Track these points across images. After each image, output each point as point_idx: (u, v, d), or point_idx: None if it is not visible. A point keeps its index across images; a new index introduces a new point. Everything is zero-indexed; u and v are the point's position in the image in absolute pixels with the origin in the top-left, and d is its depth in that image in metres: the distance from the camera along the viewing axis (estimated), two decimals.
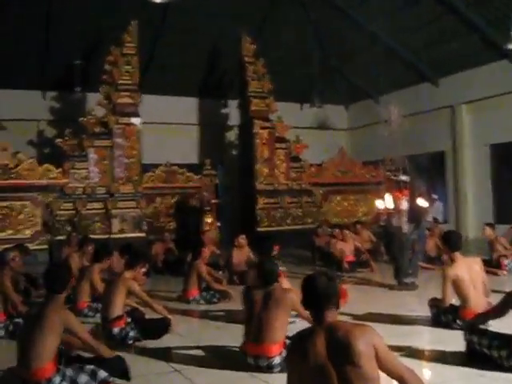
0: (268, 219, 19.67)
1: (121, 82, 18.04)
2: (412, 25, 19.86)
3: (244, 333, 6.04)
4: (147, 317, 7.77)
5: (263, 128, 20.00)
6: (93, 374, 5.11)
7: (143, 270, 7.59)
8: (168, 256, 14.95)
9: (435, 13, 18.98)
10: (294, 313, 6.17)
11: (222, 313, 9.02)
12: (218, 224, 18.70)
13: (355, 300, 8.69)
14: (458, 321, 7.05)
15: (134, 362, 5.90)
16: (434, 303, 7.54)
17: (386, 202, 11.08)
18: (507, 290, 5.97)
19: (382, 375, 3.59)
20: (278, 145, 20.27)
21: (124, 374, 5.50)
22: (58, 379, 5.00)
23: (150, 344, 7.01)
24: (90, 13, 18.88)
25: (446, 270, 7.13)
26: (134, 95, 18.11)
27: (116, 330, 7.06)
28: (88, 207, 17.32)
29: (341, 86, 25.73)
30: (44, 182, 17.05)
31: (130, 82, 18.11)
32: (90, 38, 19.71)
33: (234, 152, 23.56)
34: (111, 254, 9.77)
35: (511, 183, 19.57)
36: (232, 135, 23.87)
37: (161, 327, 7.28)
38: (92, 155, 17.63)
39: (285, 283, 7.44)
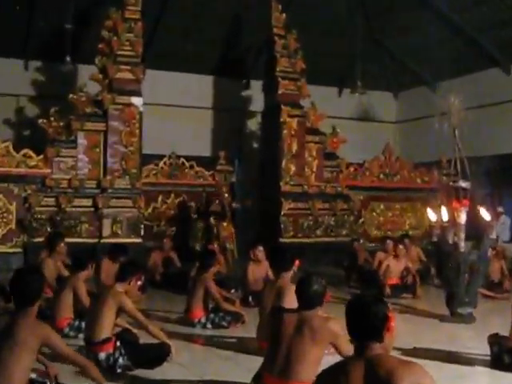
0: (294, 228, 19.62)
1: (120, 52, 18.06)
2: None
3: (263, 362, 5.97)
4: (141, 341, 7.74)
5: (292, 116, 19.95)
6: None
7: (138, 283, 7.57)
8: (168, 268, 14.96)
9: None
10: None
11: (232, 340, 9.01)
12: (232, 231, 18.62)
13: (399, 331, 8.61)
14: None
15: None
16: (496, 340, 7.47)
17: (440, 214, 11.01)
18: None
19: None
20: (309, 137, 20.23)
21: None
22: None
23: (144, 374, 7.01)
24: None
25: None
26: (136, 70, 18.13)
27: (103, 355, 7.05)
28: (74, 204, 17.33)
29: (390, 69, 25.67)
30: (21, 171, 17.01)
31: (131, 53, 18.14)
32: None
33: (255, 144, 23.57)
34: (96, 259, 9.80)
35: None
36: (253, 123, 23.88)
37: (157, 355, 7.24)
38: (81, 141, 17.66)
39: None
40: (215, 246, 14.76)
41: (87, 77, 18.41)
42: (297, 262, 8.32)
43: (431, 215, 11.25)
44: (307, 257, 10.24)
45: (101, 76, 18.10)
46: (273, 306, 7.03)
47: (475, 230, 11.22)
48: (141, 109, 18.05)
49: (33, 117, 20.75)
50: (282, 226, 19.46)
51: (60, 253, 11.47)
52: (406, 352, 7.89)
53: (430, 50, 22.02)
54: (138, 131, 17.98)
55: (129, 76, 18.03)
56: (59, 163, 17.43)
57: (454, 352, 8.19)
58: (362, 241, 16.64)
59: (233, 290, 12.76)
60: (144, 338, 7.68)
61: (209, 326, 9.89)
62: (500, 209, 19.68)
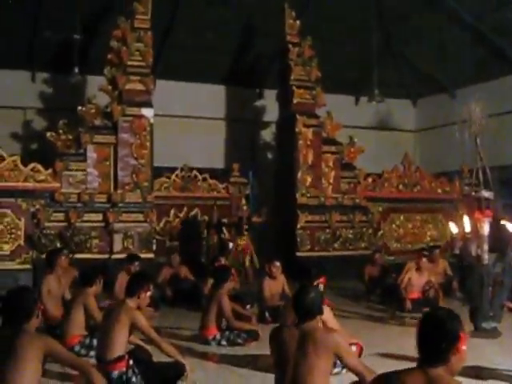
0: (311, 241, 19.58)
1: (130, 63, 18.15)
2: (503, 1, 19.73)
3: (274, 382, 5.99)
4: (155, 359, 7.75)
5: (308, 126, 19.96)
6: None
7: (148, 293, 7.55)
8: (178, 284, 14.89)
9: None
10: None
11: (247, 358, 8.99)
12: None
13: None
14: None
15: None
16: None
17: (462, 225, 10.97)
18: None
19: None
20: (325, 148, 20.23)
21: None
22: None
23: None
24: None
25: None
26: (146, 80, 18.21)
27: (115, 373, 7.04)
28: (84, 219, 17.39)
29: (408, 76, 25.66)
30: (30, 185, 17.11)
31: (141, 63, 18.22)
32: (92, 7, 19.92)
33: (270, 155, 23.59)
34: (104, 275, 9.81)
35: None
36: (267, 134, 23.92)
37: (171, 373, 7.24)
38: (91, 154, 17.73)
39: (331, 320, 7.40)
40: (223, 261, 14.63)
41: (96, 88, 18.49)
42: (322, 279, 8.30)
43: (453, 227, 11.21)
44: (326, 271, 10.19)
45: (110, 87, 18.20)
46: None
47: (499, 241, 11.17)
48: (151, 120, 18.10)
49: (41, 130, 20.85)
50: (299, 239, 19.43)
51: (63, 267, 11.48)
52: None
53: (448, 55, 22.02)
54: (148, 143, 18.02)
55: (139, 87, 18.11)
56: (68, 177, 17.49)
57: (480, 367, 8.15)
58: (381, 254, 16.50)
59: (248, 306, 12.74)
60: (157, 357, 7.67)
61: (224, 343, 9.88)
62: None
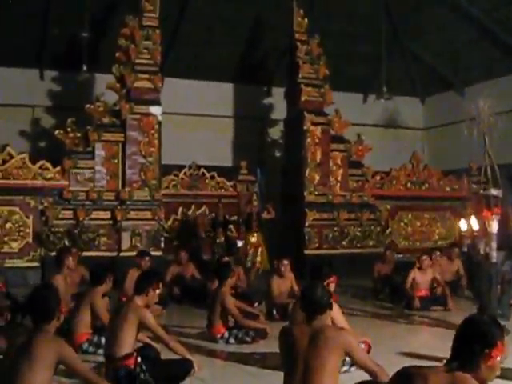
0: (319, 239, 19.57)
1: (138, 61, 18.16)
2: None
3: (283, 382, 5.98)
4: (163, 357, 7.75)
5: (316, 124, 19.94)
6: None
7: (157, 291, 7.54)
8: (185, 282, 14.85)
9: None
10: (349, 359, 6.12)
11: (256, 355, 8.99)
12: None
13: (431, 346, 8.58)
14: None
15: None
16: None
17: (470, 223, 10.94)
18: None
19: None
20: (334, 145, 20.21)
21: None
22: None
23: None
24: None
25: None
26: (155, 78, 18.22)
27: (123, 371, 7.04)
28: (92, 216, 17.43)
29: (416, 73, 25.61)
30: (38, 183, 17.21)
31: (149, 61, 18.23)
32: (101, 5, 19.94)
33: (278, 153, 23.59)
34: (114, 273, 9.81)
35: None
36: (275, 132, 23.90)
37: (179, 371, 7.24)
38: (99, 152, 17.76)
39: (339, 318, 7.39)
40: (227, 258, 14.59)
41: (104, 86, 18.51)
42: (333, 278, 8.26)
43: (462, 225, 11.18)
44: (333, 269, 10.16)
45: (118, 85, 18.20)
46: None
47: (507, 239, 11.15)
48: (160, 118, 18.12)
49: (49, 128, 20.88)
50: (307, 237, 19.42)
51: (71, 267, 11.53)
52: None
53: (457, 52, 21.98)
54: (156, 141, 18.04)
55: (147, 85, 18.11)
56: (76, 175, 17.53)
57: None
58: (390, 252, 16.45)
59: (256, 304, 12.74)
60: (165, 354, 7.68)
61: (232, 341, 9.87)
62: None
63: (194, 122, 22.76)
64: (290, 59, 20.55)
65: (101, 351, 8.17)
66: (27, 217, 17.07)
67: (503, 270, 10.81)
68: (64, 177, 17.39)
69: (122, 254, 17.10)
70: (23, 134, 21.74)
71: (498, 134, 13.63)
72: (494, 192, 11.26)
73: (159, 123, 18.12)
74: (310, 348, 5.58)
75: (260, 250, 17.10)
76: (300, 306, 6.07)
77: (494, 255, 10.68)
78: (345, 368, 6.61)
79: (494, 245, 10.68)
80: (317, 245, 19.50)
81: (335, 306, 7.09)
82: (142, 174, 17.85)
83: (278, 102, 22.84)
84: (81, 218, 17.20)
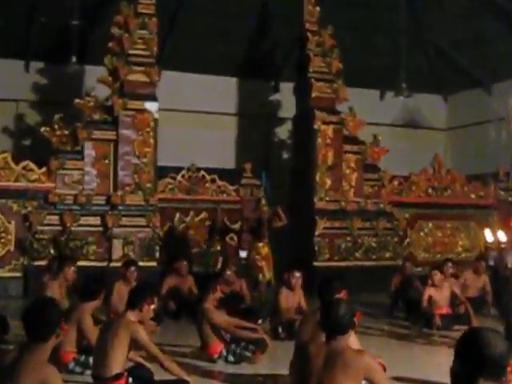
0: (330, 250, 19.54)
1: (132, 52, 18.19)
2: None
3: None
4: (157, 378, 7.76)
5: (327, 123, 19.94)
6: None
7: (152, 307, 7.54)
8: (186, 296, 14.82)
9: None
10: None
11: (258, 377, 8.98)
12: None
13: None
14: None
15: None
16: None
17: (497, 234, 10.94)
18: None
19: None
20: (347, 147, 20.20)
21: None
22: None
23: None
24: None
25: None
26: (151, 71, 18.24)
27: None
28: (80, 223, 17.45)
29: (439, 69, 25.61)
30: (21, 185, 17.21)
31: (145, 52, 18.26)
32: None
33: (285, 155, 23.60)
34: (105, 287, 9.81)
35: None
36: (283, 131, 23.92)
37: None
38: (89, 151, 17.78)
39: (352, 340, 7.38)
40: (229, 272, 14.49)
41: (95, 79, 18.54)
42: (343, 292, 8.25)
43: (488, 235, 11.18)
44: (346, 283, 10.13)
45: (110, 78, 18.23)
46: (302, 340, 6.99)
47: None
48: (156, 115, 18.15)
49: (34, 124, 20.93)
50: (316, 247, 19.40)
51: (67, 279, 11.57)
52: None
53: (484, 45, 21.96)
54: (152, 140, 18.06)
55: (142, 78, 18.14)
56: (64, 177, 17.54)
57: None
58: (408, 264, 16.42)
59: (260, 321, 12.71)
60: (160, 374, 7.68)
61: (231, 358, 9.83)
62: None
63: (193, 119, 22.80)
64: (300, 51, 20.57)
65: (88, 371, 8.14)
66: (9, 222, 17.09)
67: None
68: (50, 179, 17.40)
69: (112, 264, 17.07)
70: (6, 130, 21.79)
71: None
72: None
73: (155, 120, 18.15)
74: (325, 370, 5.55)
75: (270, 264, 16.81)
76: (320, 324, 6.05)
77: None
78: None
79: None
80: (327, 256, 19.49)
81: None
82: (135, 176, 17.87)
83: (286, 98, 22.82)
84: (68, 224, 17.22)
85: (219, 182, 20.25)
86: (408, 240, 21.08)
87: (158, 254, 17.88)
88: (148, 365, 7.85)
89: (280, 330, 11.93)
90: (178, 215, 19.78)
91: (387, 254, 20.20)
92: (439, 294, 13.29)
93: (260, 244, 16.84)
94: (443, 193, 21.76)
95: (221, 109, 23.51)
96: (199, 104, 22.85)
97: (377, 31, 22.74)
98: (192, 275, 15.47)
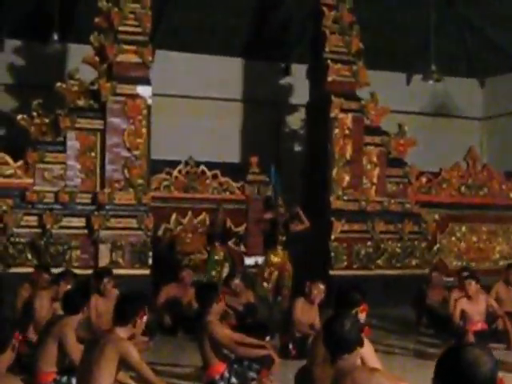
0: (348, 257, 19.55)
1: (123, 28, 18.18)
2: None
3: None
4: None
5: (346, 111, 19.94)
6: None
7: (144, 319, 7.51)
8: (183, 309, 14.84)
9: None
10: None
11: None
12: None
13: None
14: None
15: None
16: None
17: None
18: None
19: None
20: (368, 138, 20.21)
21: None
22: None
23: None
24: None
25: None
26: (143, 51, 18.23)
27: None
28: (62, 224, 17.45)
29: (474, 48, 25.60)
30: None
31: (137, 29, 18.26)
32: None
33: (298, 147, 23.62)
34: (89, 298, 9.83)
35: None
36: (295, 120, 23.95)
37: None
38: (72, 142, 17.79)
39: (370, 356, 7.38)
40: (237, 280, 14.49)
41: (80, 60, 18.46)
42: (364, 306, 8.23)
43: None
44: (367, 295, 10.11)
45: (97, 59, 18.22)
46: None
47: None
48: (149, 101, 18.14)
49: (9, 111, 20.94)
50: (333, 253, 19.40)
51: (57, 292, 11.61)
52: None
53: None
54: (145, 130, 18.06)
55: (134, 59, 18.13)
56: (43, 171, 17.54)
57: None
58: (438, 274, 16.41)
59: (268, 338, 12.72)
60: None
61: (234, 380, 9.81)
62: None
63: (191, 106, 22.83)
64: (315, 29, 20.55)
65: None
66: None
67: None
68: (27, 174, 17.41)
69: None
70: None
71: None
72: None
73: (148, 107, 18.14)
74: None
75: (287, 275, 16.45)
76: (323, 342, 6.06)
77: None
78: None
79: None
80: (345, 264, 19.49)
81: (366, 342, 7.08)
82: (125, 171, 17.87)
83: (298, 82, 22.84)
84: (48, 226, 17.22)
85: (221, 179, 20.29)
86: (438, 245, 21.09)
87: (151, 261, 17.91)
88: None
89: (291, 346, 11.96)
90: (174, 216, 19.84)
91: (414, 262, 20.19)
92: (474, 308, 13.21)
93: (273, 252, 16.53)
94: (478, 191, 21.76)
95: (223, 94, 23.52)
96: (199, 88, 22.87)
97: (403, 5, 22.71)
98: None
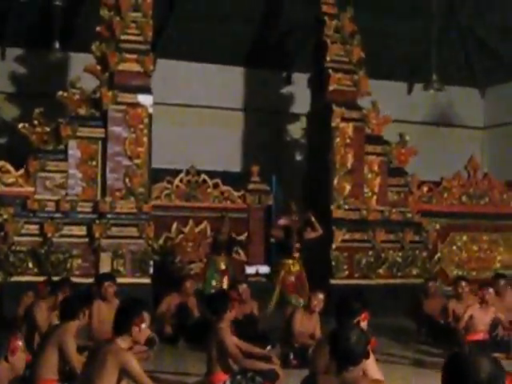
0: (349, 266, 19.54)
1: (124, 37, 18.20)
2: None
3: None
4: None
5: (347, 120, 19.94)
6: None
7: (143, 325, 7.47)
8: (185, 317, 14.84)
9: None
10: None
11: None
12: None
13: None
14: None
15: None
16: None
17: None
18: None
19: None
20: (369, 147, 20.22)
21: None
22: None
23: None
24: None
25: None
26: (145, 59, 18.24)
27: None
28: (63, 233, 17.44)
29: (475, 57, 25.61)
30: None
31: (138, 38, 18.27)
32: None
33: (299, 156, 23.60)
34: (90, 304, 9.82)
35: None
36: (296, 129, 23.94)
37: None
38: (73, 151, 17.80)
39: (372, 367, 7.39)
40: (245, 285, 14.45)
41: (81, 68, 18.50)
42: (365, 314, 8.23)
43: None
44: (365, 304, 10.13)
45: (99, 67, 18.22)
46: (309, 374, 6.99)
47: None
48: (150, 110, 18.14)
49: (11, 120, 20.94)
50: (333, 262, 19.38)
51: (53, 300, 11.63)
52: None
53: None
54: (146, 139, 18.05)
55: (135, 67, 18.15)
56: (44, 180, 17.54)
57: None
58: (437, 283, 16.40)
59: (269, 347, 12.69)
60: None
61: None
62: None
63: (193, 115, 22.83)
64: (316, 38, 20.58)
65: None
66: None
67: None
68: (29, 182, 17.41)
69: None
70: None
71: None
72: None
73: (149, 116, 18.14)
74: None
75: (302, 286, 16.12)
76: (330, 353, 6.05)
77: None
78: None
79: None
80: (346, 273, 19.50)
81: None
82: (126, 180, 17.86)
83: (299, 91, 22.86)
84: (49, 235, 17.21)
85: (222, 187, 20.27)
86: (439, 255, 21.06)
87: (152, 270, 17.91)
88: None
89: (291, 356, 11.95)
90: (175, 225, 19.81)
91: (415, 271, 20.18)
92: (483, 316, 13.10)
93: (289, 261, 16.24)
94: (479, 201, 21.75)
95: (224, 103, 23.53)
96: (200, 97, 22.88)
97: (404, 14, 22.72)
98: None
